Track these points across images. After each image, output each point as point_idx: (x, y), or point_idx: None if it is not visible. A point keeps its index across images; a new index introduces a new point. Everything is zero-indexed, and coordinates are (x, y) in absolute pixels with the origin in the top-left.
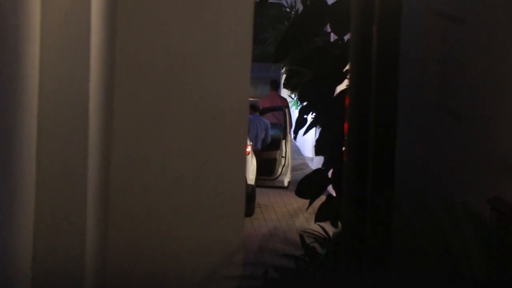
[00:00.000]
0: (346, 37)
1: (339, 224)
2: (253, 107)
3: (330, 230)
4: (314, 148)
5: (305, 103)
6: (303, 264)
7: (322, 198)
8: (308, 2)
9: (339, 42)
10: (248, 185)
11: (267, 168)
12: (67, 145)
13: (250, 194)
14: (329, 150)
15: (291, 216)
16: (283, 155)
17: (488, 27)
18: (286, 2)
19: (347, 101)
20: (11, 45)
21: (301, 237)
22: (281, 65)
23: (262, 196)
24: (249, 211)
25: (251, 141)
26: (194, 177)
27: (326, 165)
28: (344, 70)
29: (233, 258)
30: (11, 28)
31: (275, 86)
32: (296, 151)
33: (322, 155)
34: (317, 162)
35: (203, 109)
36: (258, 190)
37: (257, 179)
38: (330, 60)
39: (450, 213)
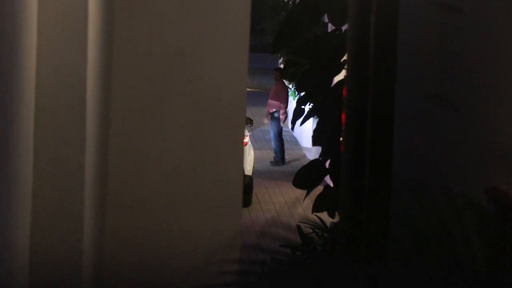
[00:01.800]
0: (344, 28)
1: (336, 214)
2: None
3: (328, 221)
4: (312, 139)
5: (302, 94)
6: (301, 254)
7: (320, 188)
8: None
9: (337, 33)
10: (245, 176)
11: None
12: (64, 137)
13: (247, 184)
14: (327, 140)
15: (289, 206)
16: None
17: (487, 17)
18: None
19: (344, 92)
20: (7, 35)
21: (299, 227)
22: (279, 55)
23: (260, 187)
24: (247, 201)
25: None
26: (191, 168)
27: (323, 155)
28: (342, 60)
29: (230, 249)
30: (8, 18)
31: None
32: (294, 141)
33: (319, 145)
34: (314, 153)
35: (200, 100)
36: (255, 180)
37: None
38: (327, 51)
39: (450, 203)
